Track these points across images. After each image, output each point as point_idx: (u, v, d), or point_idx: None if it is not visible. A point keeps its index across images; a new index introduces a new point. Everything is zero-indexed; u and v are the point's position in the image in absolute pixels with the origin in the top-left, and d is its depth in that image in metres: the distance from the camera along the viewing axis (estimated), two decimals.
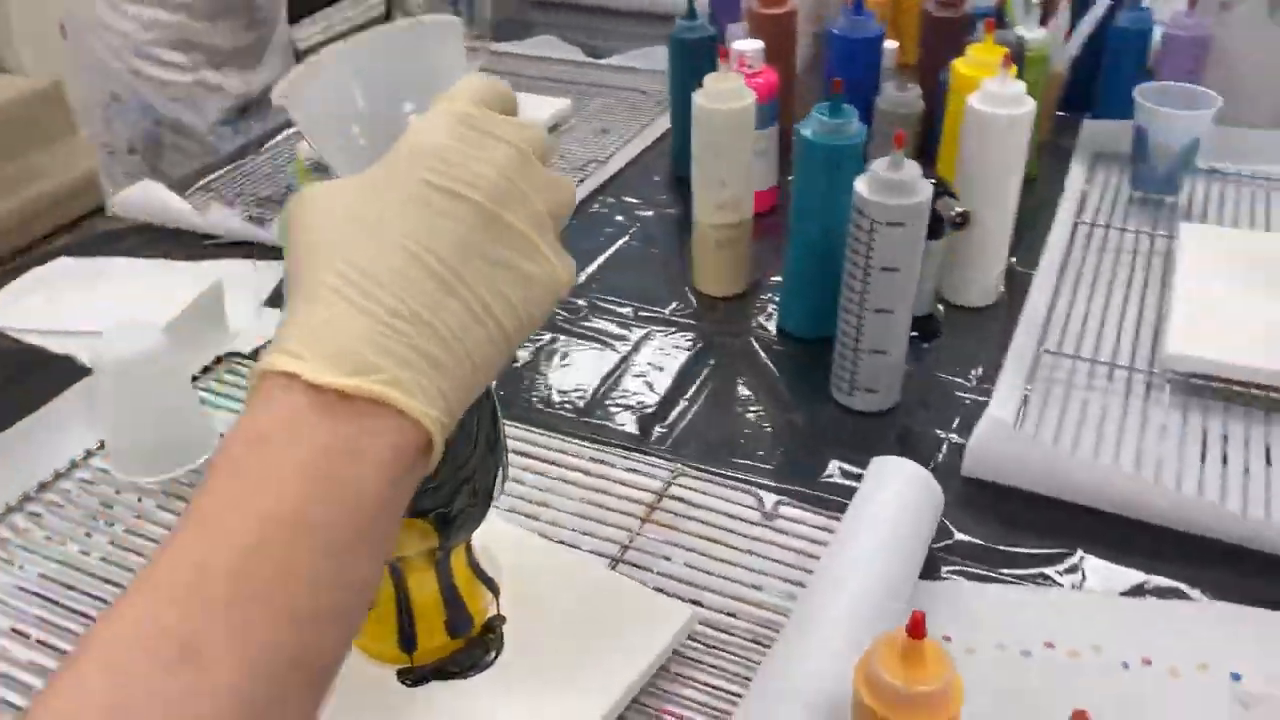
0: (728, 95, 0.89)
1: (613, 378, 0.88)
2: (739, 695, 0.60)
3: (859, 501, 0.67)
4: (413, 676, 0.59)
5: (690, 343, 0.92)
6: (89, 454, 0.80)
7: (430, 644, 0.59)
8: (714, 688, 0.60)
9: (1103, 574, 0.68)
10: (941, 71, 1.00)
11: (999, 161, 0.88)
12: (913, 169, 0.74)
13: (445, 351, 0.36)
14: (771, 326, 0.94)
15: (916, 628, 0.45)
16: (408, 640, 0.59)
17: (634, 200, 1.15)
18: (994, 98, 0.87)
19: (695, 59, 1.08)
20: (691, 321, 0.95)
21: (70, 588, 0.68)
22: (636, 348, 0.92)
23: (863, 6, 1.03)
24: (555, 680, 0.58)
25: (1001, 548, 0.70)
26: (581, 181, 1.16)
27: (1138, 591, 0.67)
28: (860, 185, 0.76)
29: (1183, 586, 0.67)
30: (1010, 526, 0.72)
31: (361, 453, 0.33)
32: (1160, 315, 0.89)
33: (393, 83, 0.44)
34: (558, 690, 0.58)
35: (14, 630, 0.66)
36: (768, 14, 1.12)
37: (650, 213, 1.13)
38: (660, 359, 0.90)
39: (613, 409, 0.84)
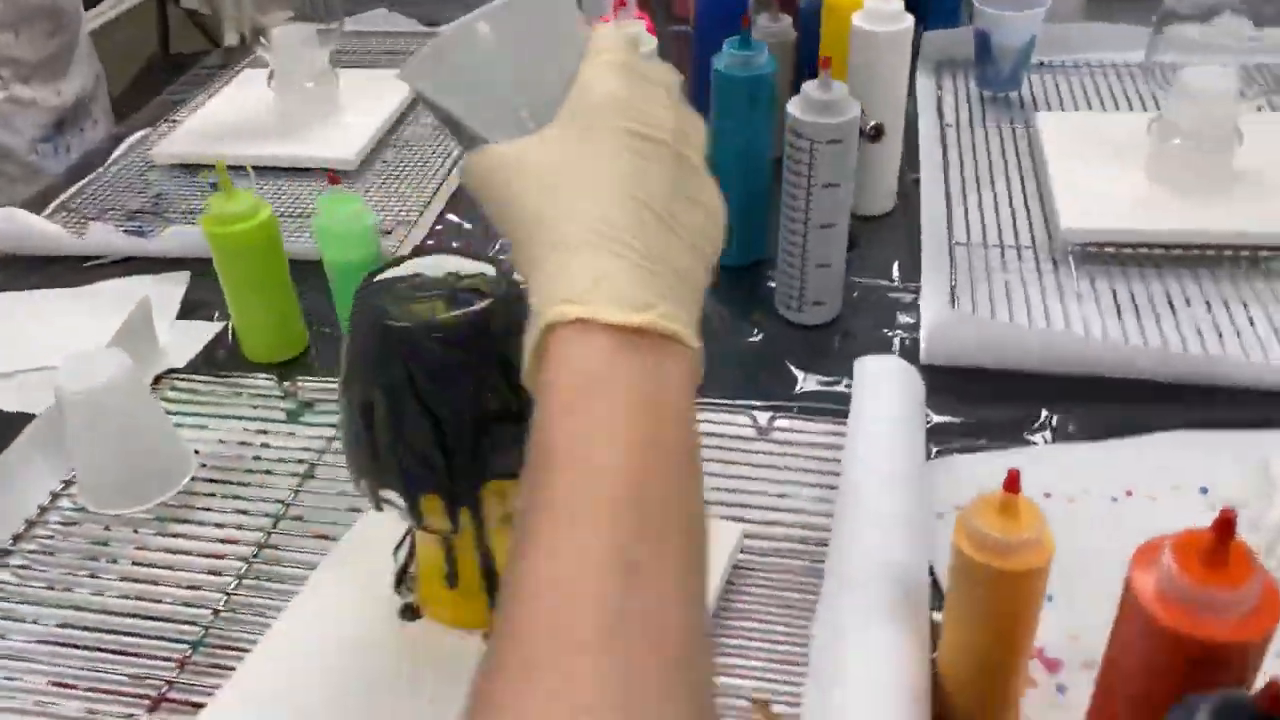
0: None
1: None
2: (809, 595, 0.64)
3: (859, 402, 0.73)
4: None
5: None
6: (55, 496, 0.75)
7: (479, 606, 0.61)
8: (779, 593, 0.65)
9: (1069, 427, 0.76)
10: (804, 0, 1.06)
11: (888, 75, 0.95)
12: (840, 89, 0.80)
13: (683, 286, 0.38)
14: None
15: (1013, 483, 0.51)
16: (453, 582, 0.60)
17: None
18: (877, 16, 0.93)
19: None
20: None
21: (99, 630, 0.65)
22: None
23: None
24: None
25: (974, 422, 0.78)
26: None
27: (1103, 435, 0.75)
28: (794, 109, 0.80)
29: (1140, 424, 0.76)
30: (976, 402, 0.79)
31: (669, 380, 0.35)
32: (1044, 197, 0.99)
33: (532, 43, 0.45)
34: None
35: (58, 684, 0.62)
36: None
37: None
38: None
39: None
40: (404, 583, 0.63)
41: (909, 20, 0.93)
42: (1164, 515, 0.69)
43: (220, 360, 0.89)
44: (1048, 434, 0.76)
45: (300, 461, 0.77)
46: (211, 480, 0.76)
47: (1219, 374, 0.78)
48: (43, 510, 0.74)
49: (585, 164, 0.39)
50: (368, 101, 1.21)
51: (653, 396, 0.34)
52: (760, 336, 0.88)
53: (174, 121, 1.24)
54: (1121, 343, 0.81)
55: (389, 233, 1.02)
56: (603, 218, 0.37)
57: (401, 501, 0.54)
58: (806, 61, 1.07)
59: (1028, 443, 0.76)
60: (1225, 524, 0.41)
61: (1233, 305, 0.84)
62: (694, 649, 0.30)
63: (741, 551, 0.67)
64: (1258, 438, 0.73)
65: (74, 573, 0.70)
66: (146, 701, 0.61)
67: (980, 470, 0.73)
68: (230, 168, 0.97)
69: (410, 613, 0.63)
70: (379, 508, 0.56)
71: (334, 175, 0.82)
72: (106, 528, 0.73)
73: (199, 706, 0.60)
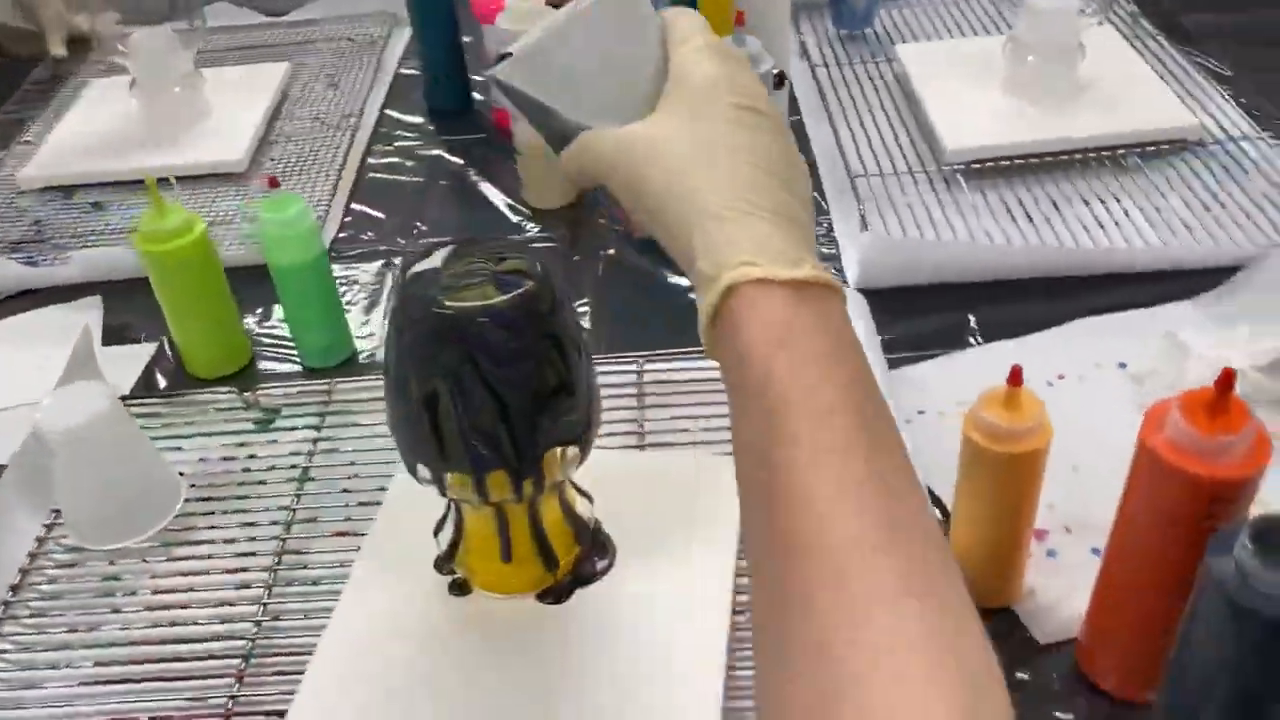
0: (530, 14, 0.94)
1: None
2: None
3: None
4: (555, 592, 0.64)
5: (563, 254, 0.98)
6: (41, 540, 0.73)
7: (565, 558, 0.64)
8: None
9: (995, 327, 0.85)
10: None
11: (771, 25, 1.01)
12: (754, 43, 0.85)
13: (809, 238, 0.42)
14: (617, 228, 1.01)
15: (1016, 378, 0.58)
16: (550, 560, 0.63)
17: (413, 141, 1.16)
18: None
19: None
20: (549, 234, 1.01)
21: (141, 662, 0.65)
22: None
23: None
24: (673, 560, 0.66)
25: (912, 335, 0.85)
26: (353, 137, 1.15)
27: (1025, 331, 0.84)
28: None
29: (1056, 316, 0.85)
30: (908, 318, 0.87)
31: (841, 321, 0.39)
32: (920, 123, 1.07)
33: (614, 33, 0.48)
34: (680, 568, 0.66)
35: None
36: None
37: (435, 151, 1.14)
38: None
39: None
40: (451, 560, 0.66)
41: None
42: (1095, 391, 0.79)
43: (163, 381, 0.88)
44: (978, 336, 0.85)
45: (292, 466, 0.77)
46: (206, 499, 0.75)
47: (1114, 262, 0.88)
48: (34, 556, 0.72)
49: (708, 140, 0.43)
50: (237, 99, 1.18)
51: (838, 337, 0.39)
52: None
53: (27, 143, 1.18)
54: (1025, 245, 0.90)
55: None
56: (740, 186, 0.41)
57: (464, 478, 0.57)
58: None
59: (965, 345, 0.84)
60: (1226, 381, 0.49)
61: (1107, 200, 0.95)
62: (945, 544, 0.35)
63: None
64: (1159, 312, 0.84)
65: (91, 611, 0.69)
66: (217, 719, 0.62)
67: (930, 376, 0.81)
68: (122, 184, 0.94)
69: (460, 588, 0.65)
70: (444, 492, 0.59)
71: (273, 179, 0.81)
72: (111, 562, 0.72)
73: (270, 714, 0.61)
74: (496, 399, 0.54)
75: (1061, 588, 0.65)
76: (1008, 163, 1.00)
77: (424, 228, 1.03)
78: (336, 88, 1.26)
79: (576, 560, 0.65)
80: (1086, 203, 0.95)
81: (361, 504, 0.74)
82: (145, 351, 0.90)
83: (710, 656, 0.60)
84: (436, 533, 0.66)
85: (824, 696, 0.31)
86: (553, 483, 0.60)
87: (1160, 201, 0.94)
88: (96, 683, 0.64)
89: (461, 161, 1.13)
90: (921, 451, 0.70)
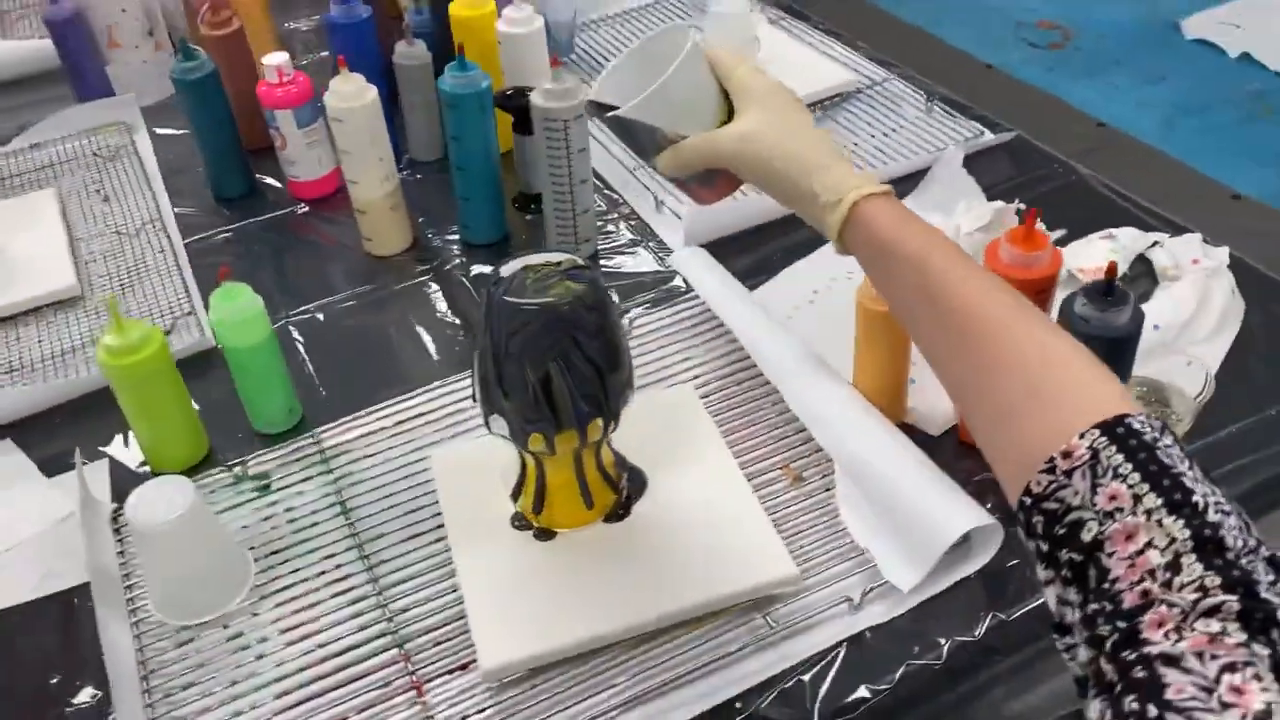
0: (355, 94, 1.09)
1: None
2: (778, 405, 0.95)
3: (699, 283, 1.04)
4: (618, 512, 0.84)
5: (433, 290, 1.14)
6: (139, 635, 0.81)
7: (602, 502, 0.84)
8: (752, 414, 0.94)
9: (809, 242, 1.13)
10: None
11: (532, 63, 1.23)
12: (571, 77, 1.07)
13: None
14: (459, 257, 1.18)
15: (1031, 218, 0.84)
16: (616, 489, 0.83)
17: (222, 229, 1.25)
18: (517, 21, 1.20)
19: (204, 93, 1.21)
20: (419, 269, 1.16)
21: (314, 680, 0.77)
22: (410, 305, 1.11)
23: None
24: (688, 466, 0.87)
25: (750, 266, 1.11)
26: (168, 239, 1.22)
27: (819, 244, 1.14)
28: (540, 99, 1.05)
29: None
30: (739, 257, 1.12)
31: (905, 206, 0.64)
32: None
33: (694, 70, 0.71)
34: (696, 466, 0.87)
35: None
36: (217, 35, 1.27)
37: (251, 230, 1.24)
38: (419, 308, 1.12)
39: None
40: (539, 513, 0.83)
41: (538, 21, 1.22)
42: None
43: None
44: (799, 253, 1.13)
45: (330, 506, 0.89)
46: (271, 554, 0.86)
47: None
48: (141, 645, 0.80)
49: (789, 124, 0.67)
50: (27, 233, 1.21)
51: (915, 214, 0.63)
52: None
53: None
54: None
55: (170, 332, 1.09)
56: (822, 146, 0.66)
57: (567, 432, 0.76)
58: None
59: (795, 259, 1.12)
60: (1031, 218, 0.79)
61: None
62: None
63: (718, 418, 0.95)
64: None
65: (239, 665, 0.78)
66: (412, 692, 0.76)
67: (782, 290, 1.08)
68: None
69: (546, 534, 0.83)
70: (554, 450, 0.76)
71: (225, 269, 0.92)
72: (225, 625, 0.81)
73: (454, 670, 0.76)
74: (594, 367, 0.74)
75: (931, 397, 0.95)
76: None
77: (290, 294, 1.14)
78: (109, 200, 1.30)
79: (621, 487, 0.85)
80: None
81: (410, 512, 0.88)
82: (100, 467, 0.96)
83: (750, 507, 0.83)
84: (516, 496, 0.83)
85: (1033, 391, 0.54)
86: (591, 443, 0.79)
87: (851, 137, 1.28)
88: (287, 709, 0.75)
89: (277, 234, 1.24)
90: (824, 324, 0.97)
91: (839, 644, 0.77)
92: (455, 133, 1.12)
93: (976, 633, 0.77)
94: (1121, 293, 0.75)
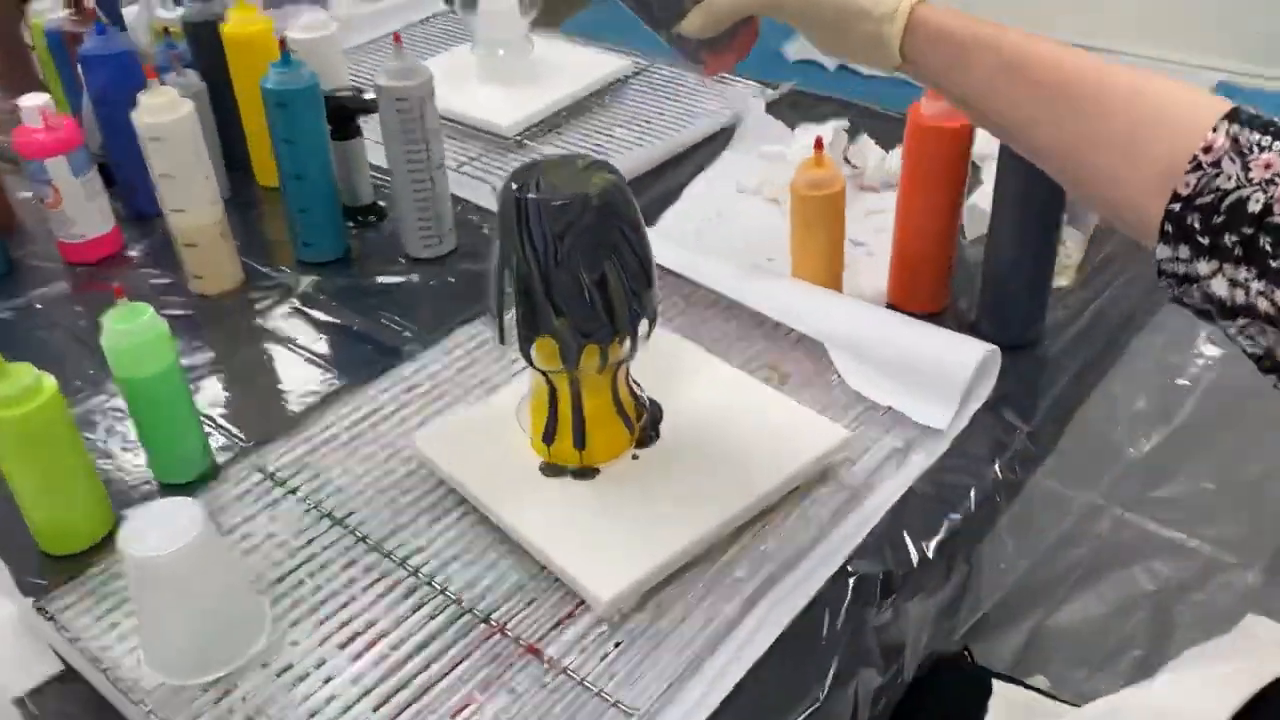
0: (168, 107, 0.97)
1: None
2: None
3: None
4: (646, 438, 0.80)
5: (287, 315, 1.03)
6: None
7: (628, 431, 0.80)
8: None
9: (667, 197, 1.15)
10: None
11: (329, 70, 1.15)
12: (410, 57, 1.02)
13: None
14: (305, 282, 1.07)
15: (819, 145, 0.89)
16: (629, 422, 0.79)
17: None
18: (310, 26, 1.13)
19: None
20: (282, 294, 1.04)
21: (418, 670, 0.66)
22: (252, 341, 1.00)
23: (104, 28, 1.09)
24: (696, 386, 0.84)
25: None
26: None
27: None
28: (385, 79, 0.99)
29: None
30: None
31: None
32: (474, 118, 1.30)
33: None
34: (708, 388, 0.85)
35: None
36: None
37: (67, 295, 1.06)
38: (279, 337, 1.00)
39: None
40: (581, 451, 0.77)
41: (333, 25, 1.15)
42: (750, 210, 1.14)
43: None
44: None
45: (319, 521, 0.77)
46: (277, 582, 0.73)
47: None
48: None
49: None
50: None
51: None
52: (431, 279, 1.06)
53: None
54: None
55: None
56: None
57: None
58: (224, 101, 1.17)
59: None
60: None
61: (613, 130, 1.30)
62: None
63: None
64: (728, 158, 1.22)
65: (309, 695, 0.65)
66: (530, 655, 0.67)
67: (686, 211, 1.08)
68: None
69: (587, 473, 0.77)
70: (605, 362, 0.72)
71: (119, 288, 0.77)
72: (264, 664, 0.67)
73: (558, 624, 0.69)
74: (638, 258, 0.70)
75: (864, 278, 0.99)
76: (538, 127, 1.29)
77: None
78: None
79: (645, 408, 0.81)
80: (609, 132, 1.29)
81: (415, 500, 0.78)
82: None
83: (773, 396, 0.83)
84: (549, 439, 0.77)
85: (1151, 117, 0.58)
86: (612, 365, 0.75)
87: (644, 115, 1.32)
88: (396, 717, 0.64)
89: (67, 305, 1.06)
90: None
91: (909, 488, 0.79)
92: (287, 135, 1.02)
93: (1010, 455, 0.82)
94: None
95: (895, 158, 1.16)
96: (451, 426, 0.83)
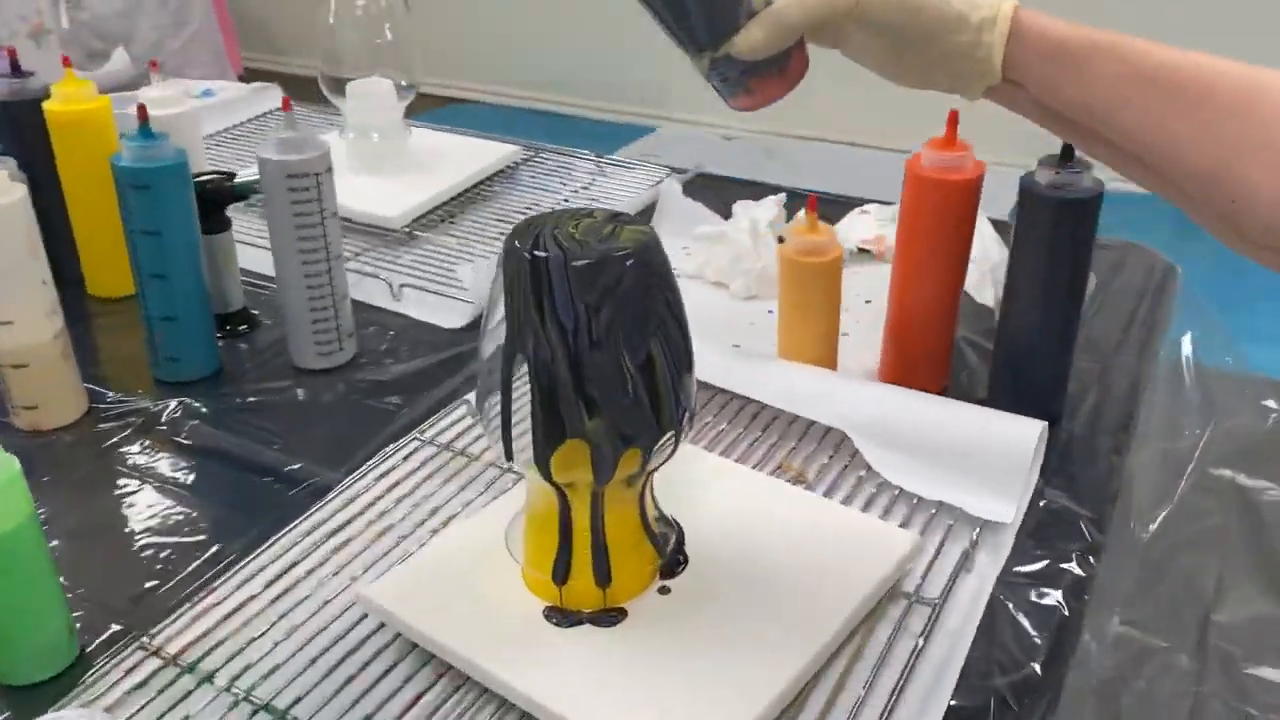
0: None
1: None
2: None
3: None
4: (670, 567, 0.63)
5: (145, 449, 0.81)
6: None
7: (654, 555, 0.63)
8: None
9: None
10: None
11: (190, 148, 0.96)
12: (306, 126, 0.84)
13: None
14: (171, 407, 0.86)
15: (812, 205, 0.77)
16: (659, 545, 0.62)
17: None
18: (164, 102, 0.94)
19: None
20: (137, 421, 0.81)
21: None
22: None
23: None
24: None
25: None
26: None
27: None
28: (269, 152, 0.82)
29: None
30: None
31: None
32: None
33: None
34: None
35: None
36: None
37: None
38: (137, 480, 0.79)
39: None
40: (607, 583, 0.59)
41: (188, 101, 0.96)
42: None
43: None
44: None
45: (252, 716, 0.56)
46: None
47: None
48: None
49: None
50: None
51: None
52: (347, 392, 0.87)
53: None
54: None
55: None
56: None
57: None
58: (48, 196, 0.95)
59: None
60: (952, 121, 0.77)
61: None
62: None
63: None
64: None
65: None
66: None
67: None
68: None
69: (612, 616, 0.60)
70: (644, 470, 0.55)
71: None
72: None
73: None
74: (684, 337, 0.55)
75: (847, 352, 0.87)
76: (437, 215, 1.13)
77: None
78: None
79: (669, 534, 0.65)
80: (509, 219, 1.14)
81: (376, 676, 0.59)
82: None
83: (814, 503, 0.68)
84: (562, 578, 0.59)
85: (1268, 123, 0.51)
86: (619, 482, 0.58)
87: (544, 201, 1.18)
88: None
89: None
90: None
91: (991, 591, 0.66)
92: (149, 225, 0.82)
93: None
94: (1080, 160, 0.75)
95: (850, 227, 1.06)
96: (408, 572, 0.64)
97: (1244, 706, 1.51)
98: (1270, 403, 1.02)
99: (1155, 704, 1.44)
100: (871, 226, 1.07)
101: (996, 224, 1.03)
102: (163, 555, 0.70)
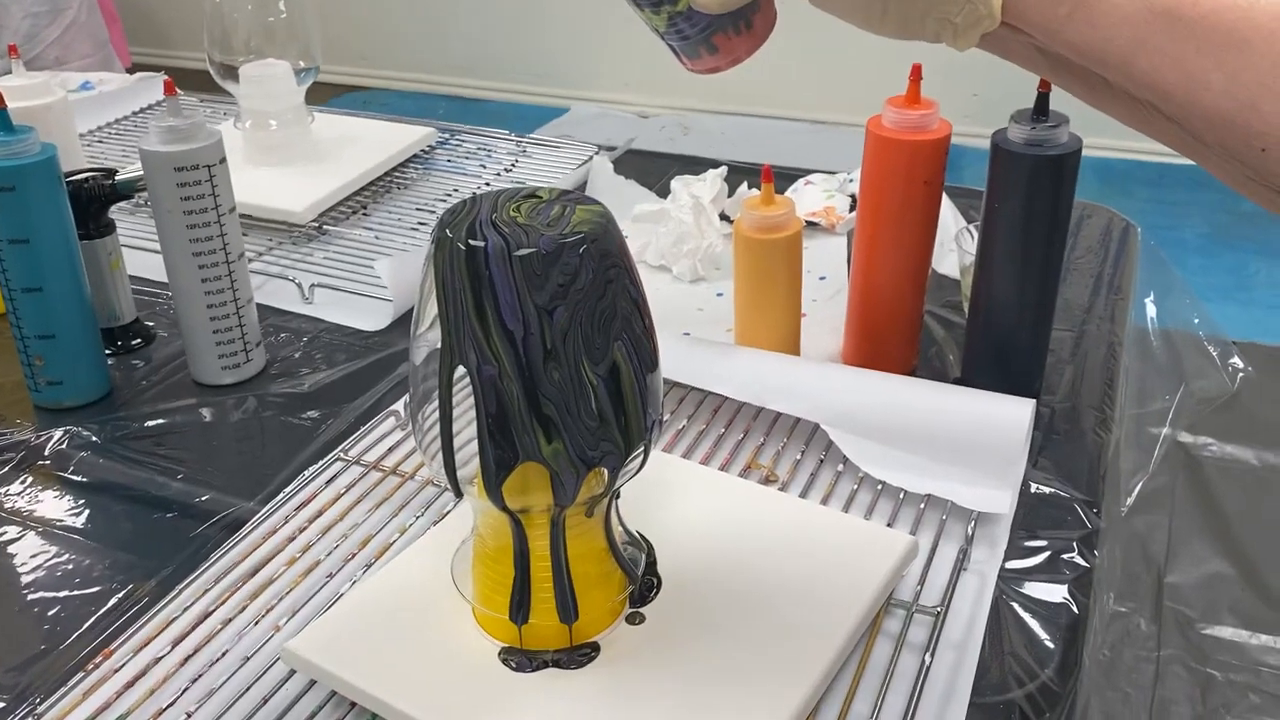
0: None
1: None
2: None
3: None
4: (642, 594, 0.56)
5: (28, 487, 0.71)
6: None
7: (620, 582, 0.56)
8: None
9: None
10: None
11: (63, 142, 0.85)
12: (191, 111, 0.74)
13: None
14: (55, 438, 0.76)
15: (767, 175, 0.70)
16: (630, 571, 0.54)
17: None
18: (29, 91, 0.82)
19: None
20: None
21: None
22: None
23: None
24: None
25: None
26: None
27: None
28: (153, 144, 0.72)
29: None
30: None
31: None
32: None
33: None
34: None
35: None
36: None
37: None
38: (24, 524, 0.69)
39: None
40: (574, 618, 0.51)
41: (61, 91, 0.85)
42: None
43: None
44: None
45: None
46: None
47: None
48: None
49: None
50: None
51: None
52: (257, 408, 0.78)
53: None
54: None
55: None
56: None
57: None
58: None
59: None
60: (915, 74, 0.70)
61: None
62: None
63: None
64: None
65: None
66: None
67: None
68: None
69: (585, 654, 0.52)
70: (609, 489, 0.48)
71: None
72: None
73: None
74: (649, 335, 0.48)
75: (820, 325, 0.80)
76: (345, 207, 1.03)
77: None
78: None
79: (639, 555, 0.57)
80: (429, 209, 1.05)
81: None
82: None
83: (795, 506, 0.61)
84: (522, 617, 0.51)
85: None
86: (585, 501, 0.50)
87: (477, 184, 1.09)
88: None
89: None
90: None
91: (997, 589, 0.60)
92: (16, 232, 0.72)
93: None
94: (1056, 113, 0.69)
95: (797, 201, 1.00)
96: (337, 620, 0.55)
97: (1204, 668, 1.49)
98: (1237, 361, 0.98)
99: (1119, 671, 1.41)
100: (819, 198, 1.01)
101: (950, 190, 0.98)
102: (50, 614, 0.61)
